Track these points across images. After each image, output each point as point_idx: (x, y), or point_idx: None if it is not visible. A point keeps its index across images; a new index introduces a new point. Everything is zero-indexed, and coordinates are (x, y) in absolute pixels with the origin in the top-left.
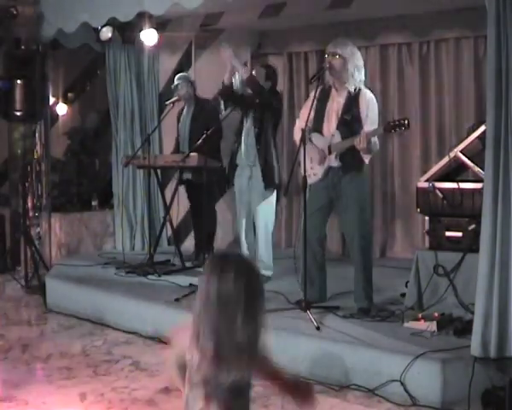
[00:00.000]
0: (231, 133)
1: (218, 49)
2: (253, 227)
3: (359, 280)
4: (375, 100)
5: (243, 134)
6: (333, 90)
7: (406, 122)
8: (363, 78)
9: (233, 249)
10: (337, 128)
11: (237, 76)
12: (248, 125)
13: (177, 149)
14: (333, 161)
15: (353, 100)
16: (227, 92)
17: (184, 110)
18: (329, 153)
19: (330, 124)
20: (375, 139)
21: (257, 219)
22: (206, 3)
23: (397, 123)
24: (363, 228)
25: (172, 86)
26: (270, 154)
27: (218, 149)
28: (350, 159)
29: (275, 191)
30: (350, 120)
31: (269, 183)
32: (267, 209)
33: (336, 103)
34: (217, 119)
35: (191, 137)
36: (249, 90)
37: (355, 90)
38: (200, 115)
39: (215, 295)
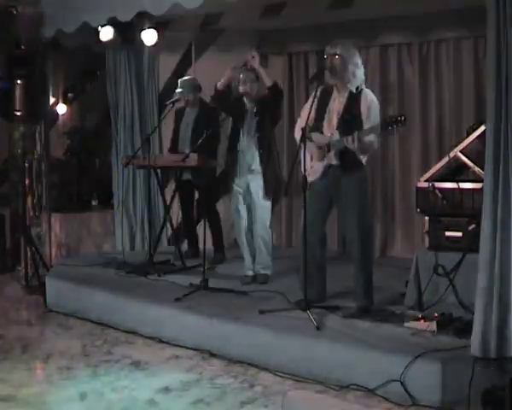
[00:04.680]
0: (225, 138)
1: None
2: (252, 228)
3: (359, 279)
4: (376, 102)
5: (241, 139)
6: (335, 90)
7: (403, 118)
8: (364, 77)
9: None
10: (337, 128)
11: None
12: (247, 130)
13: (173, 150)
14: (332, 159)
15: (354, 100)
16: (219, 97)
17: (186, 112)
18: (328, 151)
19: (331, 123)
20: (371, 138)
21: (256, 220)
22: (206, 3)
23: (393, 120)
24: (363, 227)
25: (177, 91)
26: (272, 158)
27: (216, 151)
28: (349, 157)
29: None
30: (350, 120)
31: (267, 191)
32: (265, 210)
33: (337, 103)
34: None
35: (193, 141)
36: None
37: (357, 89)
38: (204, 120)
39: None
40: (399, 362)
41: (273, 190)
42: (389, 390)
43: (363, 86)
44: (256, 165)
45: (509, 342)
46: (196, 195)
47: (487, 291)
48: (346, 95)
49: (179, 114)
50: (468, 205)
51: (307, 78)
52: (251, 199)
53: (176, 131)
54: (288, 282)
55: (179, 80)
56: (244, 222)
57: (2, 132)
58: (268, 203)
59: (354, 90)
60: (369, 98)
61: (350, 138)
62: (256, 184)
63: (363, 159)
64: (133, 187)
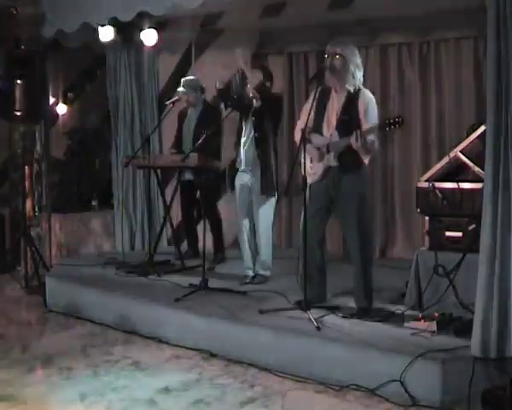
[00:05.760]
0: (232, 135)
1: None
2: (253, 228)
3: (359, 280)
4: (374, 100)
5: (243, 137)
6: (333, 91)
7: (400, 120)
8: (362, 78)
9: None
10: (336, 128)
11: (237, 78)
12: (248, 128)
13: (177, 149)
14: (332, 161)
15: (352, 100)
16: (225, 93)
17: (189, 112)
18: (328, 152)
19: (330, 124)
20: (371, 138)
21: (257, 220)
22: (206, 3)
23: (391, 121)
24: (362, 228)
25: (178, 89)
26: (269, 159)
27: (218, 151)
28: (348, 159)
29: (275, 194)
30: (348, 120)
31: (266, 189)
32: (267, 210)
33: (336, 104)
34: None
35: (195, 141)
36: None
37: (354, 89)
38: (206, 120)
39: None
40: (399, 362)
41: (271, 191)
42: (389, 390)
43: (361, 86)
44: (254, 164)
45: (509, 342)
46: (197, 194)
47: (487, 291)
48: (344, 95)
49: (182, 116)
50: (468, 205)
51: (307, 78)
52: (252, 198)
53: (179, 131)
54: (288, 282)
55: (182, 79)
56: (245, 221)
57: (2, 132)
58: (271, 203)
59: (352, 91)
60: (367, 97)
61: (353, 137)
62: (256, 183)
63: (366, 159)
64: (133, 187)
